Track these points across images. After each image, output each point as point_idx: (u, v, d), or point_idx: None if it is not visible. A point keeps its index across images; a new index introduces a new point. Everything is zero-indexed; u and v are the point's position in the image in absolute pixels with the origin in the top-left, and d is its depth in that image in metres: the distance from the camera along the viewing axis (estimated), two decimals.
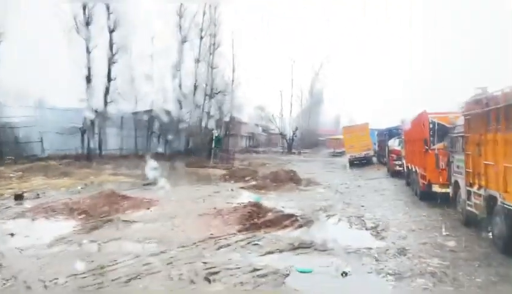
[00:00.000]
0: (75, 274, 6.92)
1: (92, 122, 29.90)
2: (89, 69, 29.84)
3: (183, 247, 8.70)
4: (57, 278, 6.71)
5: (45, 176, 19.71)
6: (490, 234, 9.03)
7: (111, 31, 31.40)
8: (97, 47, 30.46)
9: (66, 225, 10.64)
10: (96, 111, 30.19)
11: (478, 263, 7.74)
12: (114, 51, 31.63)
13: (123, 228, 10.45)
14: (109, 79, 31.29)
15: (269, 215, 11.45)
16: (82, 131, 29.58)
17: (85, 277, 6.86)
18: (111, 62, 31.41)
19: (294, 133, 58.75)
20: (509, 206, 7.75)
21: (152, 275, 6.98)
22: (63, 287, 6.50)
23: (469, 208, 10.25)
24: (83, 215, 11.54)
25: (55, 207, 12.32)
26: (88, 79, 29.90)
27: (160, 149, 35.84)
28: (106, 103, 31.10)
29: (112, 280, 6.75)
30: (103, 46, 31.13)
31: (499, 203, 8.21)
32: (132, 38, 32.21)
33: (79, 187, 17.07)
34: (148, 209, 12.93)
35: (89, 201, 12.98)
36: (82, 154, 28.54)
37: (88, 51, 29.99)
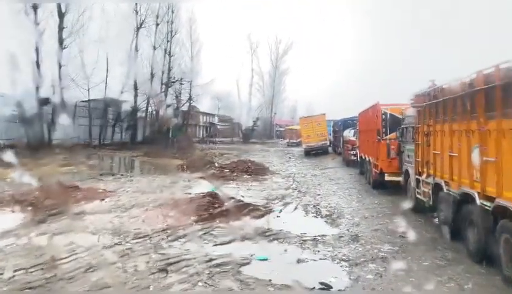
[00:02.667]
0: (24, 269, 6.63)
1: (42, 110, 28.50)
2: (38, 54, 28.33)
3: (139, 238, 8.54)
4: (1, 274, 6.39)
5: None
6: (437, 220, 9.53)
7: (62, 15, 29.95)
8: (46, 31, 29.06)
9: (13, 218, 10.11)
10: (46, 98, 28.83)
11: (425, 248, 8.15)
12: (65, 36, 30.22)
13: (75, 220, 10.08)
14: (60, 65, 29.90)
15: (227, 205, 11.45)
16: (31, 119, 28.09)
17: (33, 272, 6.57)
18: (61, 47, 29.98)
19: (255, 123, 59.00)
20: (453, 193, 8.19)
21: (106, 268, 6.81)
22: (10, 282, 6.19)
23: (418, 196, 10.74)
24: (32, 207, 11.01)
25: (1, 199, 11.69)
26: (37, 65, 28.42)
27: (116, 139, 34.87)
28: (57, 90, 29.74)
29: (64, 274, 6.51)
30: (53, 31, 29.73)
31: (444, 190, 8.67)
32: (85, 22, 30.95)
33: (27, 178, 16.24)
34: (103, 200, 12.55)
35: (38, 192, 12.40)
36: (31, 143, 27.13)
37: (37, 35, 28.47)
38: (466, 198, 7.54)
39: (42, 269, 6.69)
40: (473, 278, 6.52)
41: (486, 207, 6.72)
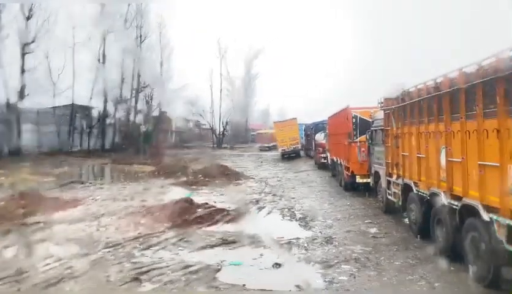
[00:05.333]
0: None
1: (4, 117, 27.48)
2: None
3: (111, 247, 8.35)
4: None
5: None
6: (407, 220, 9.76)
7: (27, 18, 29.04)
8: (9, 36, 28.12)
9: None
10: (8, 105, 27.84)
11: (397, 248, 8.34)
12: (29, 40, 29.26)
13: (44, 231, 9.76)
14: (23, 70, 28.90)
15: (201, 211, 11.36)
16: None
17: (2, 285, 6.31)
18: (24, 52, 29.01)
19: (225, 128, 58.68)
20: (422, 193, 8.42)
21: (76, 279, 6.61)
22: None
23: (389, 197, 10.98)
24: None
25: None
26: None
27: (85, 146, 34.01)
28: (21, 96, 28.69)
29: (33, 286, 6.29)
30: (17, 35, 28.80)
31: (414, 190, 8.90)
32: (51, 27, 30.09)
33: None
34: (72, 209, 12.20)
35: (4, 203, 11.94)
36: None
37: None
38: (435, 198, 7.76)
39: (10, 281, 6.44)
40: (443, 276, 6.71)
41: (453, 207, 6.94)
